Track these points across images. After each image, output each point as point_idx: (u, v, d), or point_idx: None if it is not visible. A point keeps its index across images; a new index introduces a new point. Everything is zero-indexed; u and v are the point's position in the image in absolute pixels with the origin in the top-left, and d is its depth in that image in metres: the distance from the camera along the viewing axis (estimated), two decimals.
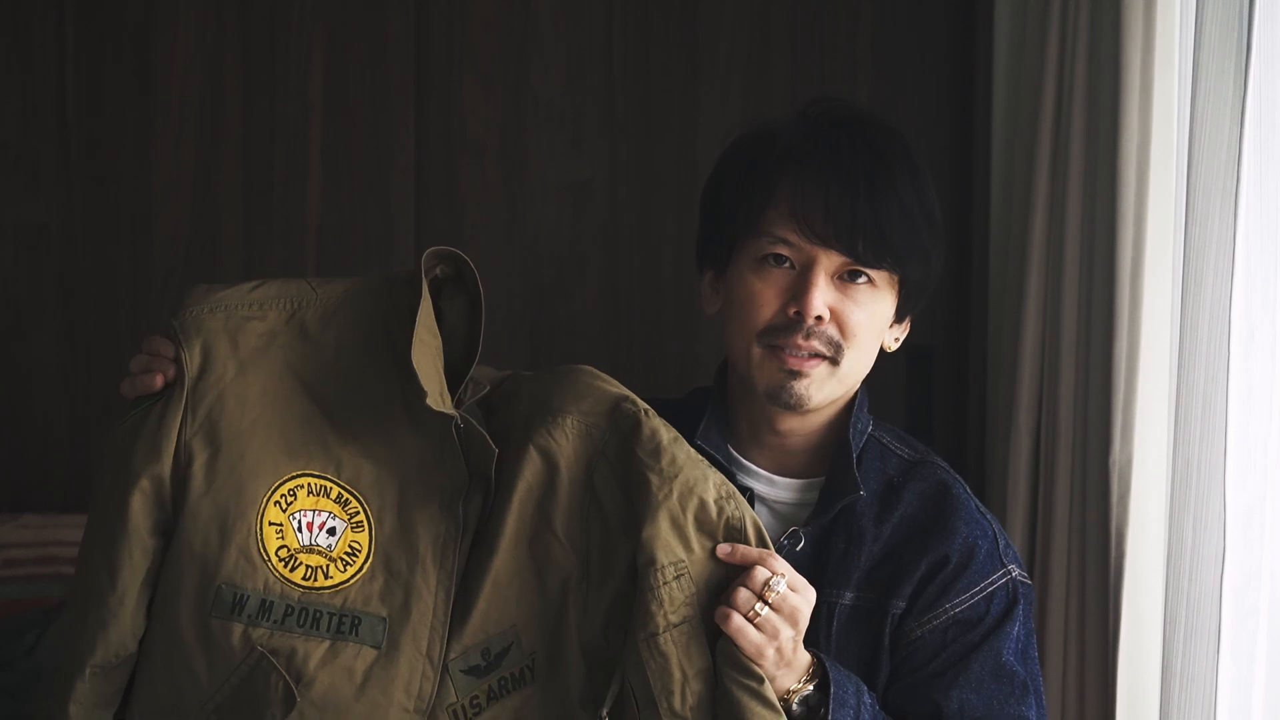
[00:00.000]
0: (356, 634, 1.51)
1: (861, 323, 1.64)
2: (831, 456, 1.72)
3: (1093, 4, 2.13)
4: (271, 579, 1.51)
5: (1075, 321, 2.18)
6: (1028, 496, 2.29)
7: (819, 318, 1.63)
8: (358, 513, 1.54)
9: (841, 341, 1.64)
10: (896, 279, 1.67)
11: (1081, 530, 2.14)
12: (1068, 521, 2.18)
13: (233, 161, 2.68)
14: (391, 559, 1.53)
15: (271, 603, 1.51)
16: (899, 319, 1.73)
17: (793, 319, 1.63)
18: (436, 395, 1.51)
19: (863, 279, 1.64)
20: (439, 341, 1.57)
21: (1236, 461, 1.81)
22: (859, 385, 1.74)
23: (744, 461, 1.75)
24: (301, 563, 1.52)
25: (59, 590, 2.43)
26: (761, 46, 2.68)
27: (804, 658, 1.58)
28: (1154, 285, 2.01)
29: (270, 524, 1.53)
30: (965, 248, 2.63)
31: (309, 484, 1.54)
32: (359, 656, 1.51)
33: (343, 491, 1.54)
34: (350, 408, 1.56)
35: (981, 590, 1.68)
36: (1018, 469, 2.29)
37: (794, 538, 1.69)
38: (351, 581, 1.52)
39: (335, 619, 1.51)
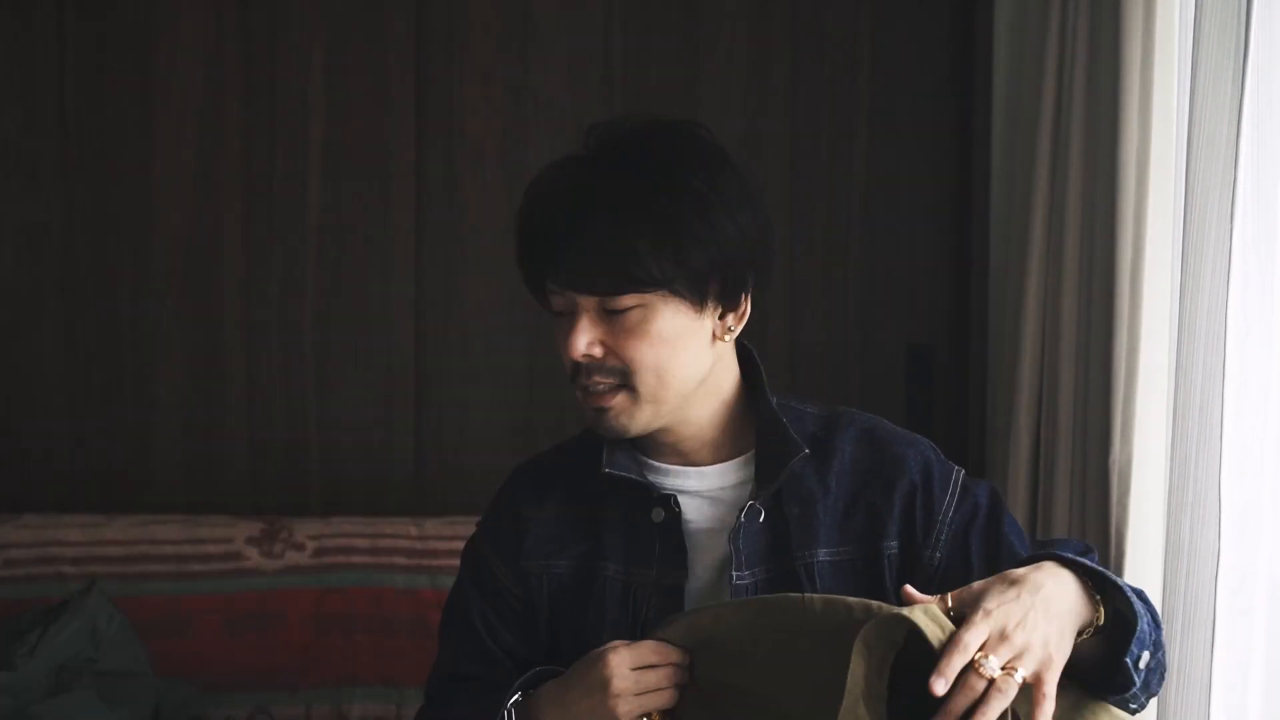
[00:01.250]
0: None
1: (638, 348, 1.66)
2: (757, 429, 1.74)
3: (1093, 4, 2.13)
4: None
5: (1075, 321, 2.18)
6: (1028, 496, 2.29)
7: (589, 355, 1.66)
8: None
9: (625, 368, 1.66)
10: (666, 293, 1.67)
11: (1081, 530, 2.14)
12: (1068, 521, 2.18)
13: (233, 161, 2.68)
14: None
15: None
16: (726, 309, 1.71)
17: (576, 362, 1.68)
18: None
19: (626, 307, 1.66)
20: None
21: (1232, 461, 1.82)
22: (745, 361, 1.76)
23: (666, 466, 1.77)
24: None
25: (59, 590, 2.44)
26: (761, 46, 2.68)
27: (1054, 607, 1.50)
28: (1153, 285, 2.01)
29: None
30: (965, 248, 2.64)
31: None
32: None
33: None
34: None
35: (954, 488, 1.72)
36: (1018, 469, 2.29)
37: (752, 512, 1.71)
38: None
39: None
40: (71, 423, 2.69)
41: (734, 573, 1.69)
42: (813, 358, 2.69)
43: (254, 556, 2.51)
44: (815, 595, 1.56)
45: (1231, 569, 1.82)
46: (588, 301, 1.66)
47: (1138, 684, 1.53)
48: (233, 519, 2.55)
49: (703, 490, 1.75)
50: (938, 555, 1.69)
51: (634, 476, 1.73)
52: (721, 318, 1.70)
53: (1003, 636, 1.44)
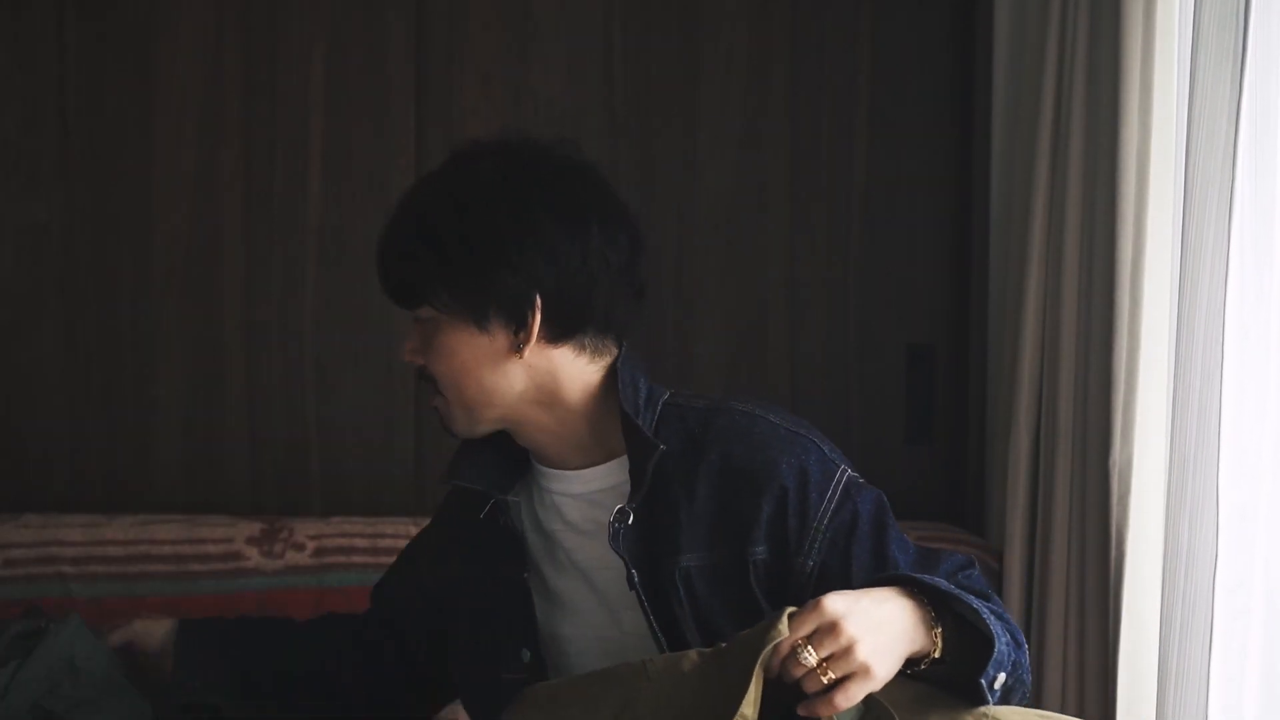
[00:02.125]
0: None
1: (432, 358, 1.73)
2: (626, 434, 1.74)
3: (1092, 4, 2.13)
4: None
5: (1075, 321, 2.18)
6: (1028, 496, 2.29)
7: (411, 359, 1.75)
8: None
9: (433, 375, 1.74)
10: (438, 308, 1.72)
11: (1081, 530, 2.14)
12: (1067, 521, 2.18)
13: (233, 161, 2.68)
14: None
15: None
16: (515, 327, 1.71)
17: None
18: None
19: (420, 319, 1.74)
20: None
21: (1230, 463, 1.82)
22: (612, 368, 1.76)
23: (545, 470, 1.79)
24: None
25: (59, 590, 2.44)
26: (761, 47, 2.68)
27: (893, 626, 1.54)
28: (1153, 285, 2.01)
29: None
30: (965, 248, 2.64)
31: None
32: None
33: None
34: None
35: (833, 493, 1.69)
36: (1018, 469, 2.29)
37: (621, 515, 1.71)
38: None
39: None
40: (71, 423, 2.69)
41: (633, 571, 1.68)
42: (813, 358, 2.69)
43: (254, 556, 2.50)
44: (658, 656, 1.57)
45: (1229, 569, 1.82)
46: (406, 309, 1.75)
47: (992, 702, 1.55)
48: (233, 519, 2.55)
49: (581, 493, 1.77)
50: (810, 562, 1.67)
51: (480, 487, 1.78)
52: (515, 334, 1.71)
53: (832, 630, 1.48)
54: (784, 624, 1.49)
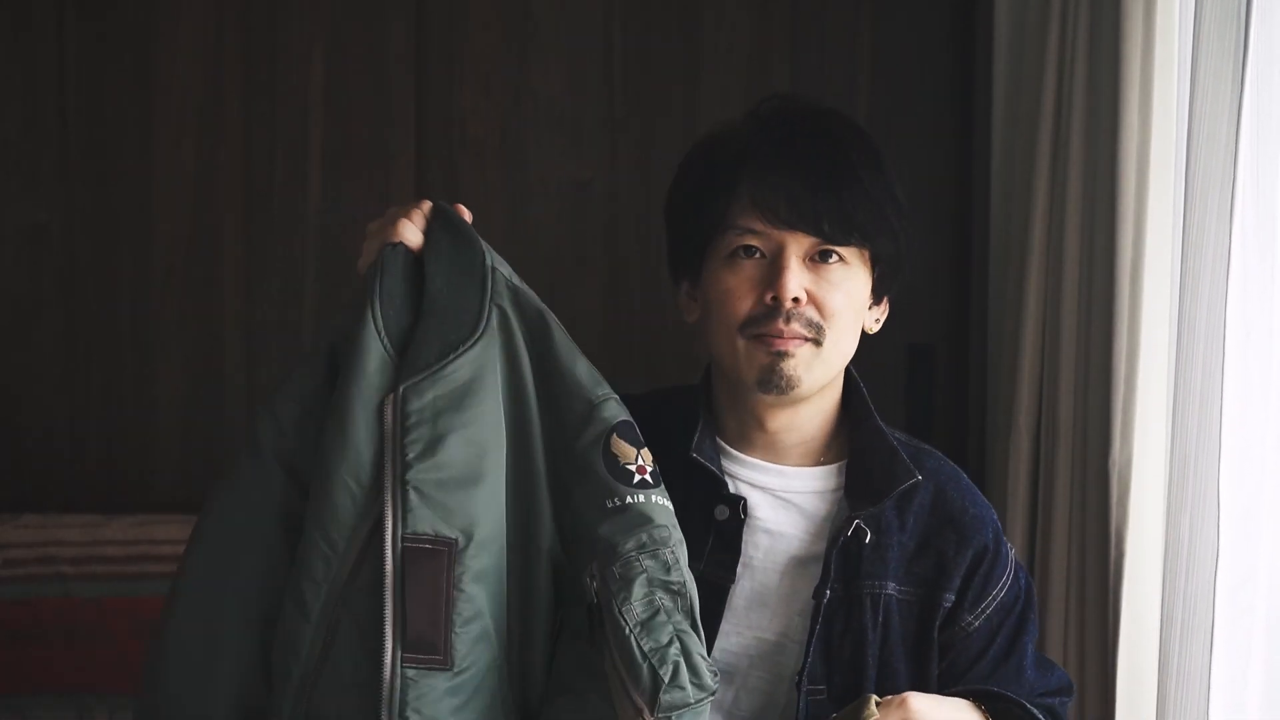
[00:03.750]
0: None
1: (839, 301, 1.67)
2: (853, 443, 1.74)
3: (1093, 4, 2.13)
4: None
5: (1075, 321, 2.18)
6: (1028, 496, 2.29)
7: (795, 299, 1.66)
8: None
9: (821, 322, 1.67)
10: (868, 255, 1.70)
11: (1081, 530, 2.14)
12: (1067, 521, 2.18)
13: (233, 161, 2.68)
14: None
15: None
16: (876, 299, 1.76)
17: (771, 305, 1.66)
18: None
19: (834, 258, 1.67)
20: None
21: (1232, 461, 1.82)
22: (846, 375, 1.77)
23: (748, 459, 1.75)
24: None
25: (59, 590, 2.44)
26: (761, 46, 2.68)
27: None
28: (1154, 285, 2.01)
29: None
30: (965, 248, 2.63)
31: None
32: None
33: None
34: None
35: (1012, 566, 1.74)
36: (1018, 469, 2.29)
37: (860, 532, 1.69)
38: None
39: None
40: (71, 423, 2.69)
41: (826, 590, 1.68)
42: None
43: None
44: None
45: (1231, 569, 1.81)
46: (800, 245, 1.66)
47: None
48: None
49: (779, 490, 1.74)
50: (975, 625, 1.71)
51: (714, 468, 1.72)
52: (878, 299, 1.74)
53: None
54: (873, 708, 1.55)
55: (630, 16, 2.67)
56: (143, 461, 2.69)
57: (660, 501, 1.52)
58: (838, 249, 1.67)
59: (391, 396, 1.51)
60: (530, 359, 1.56)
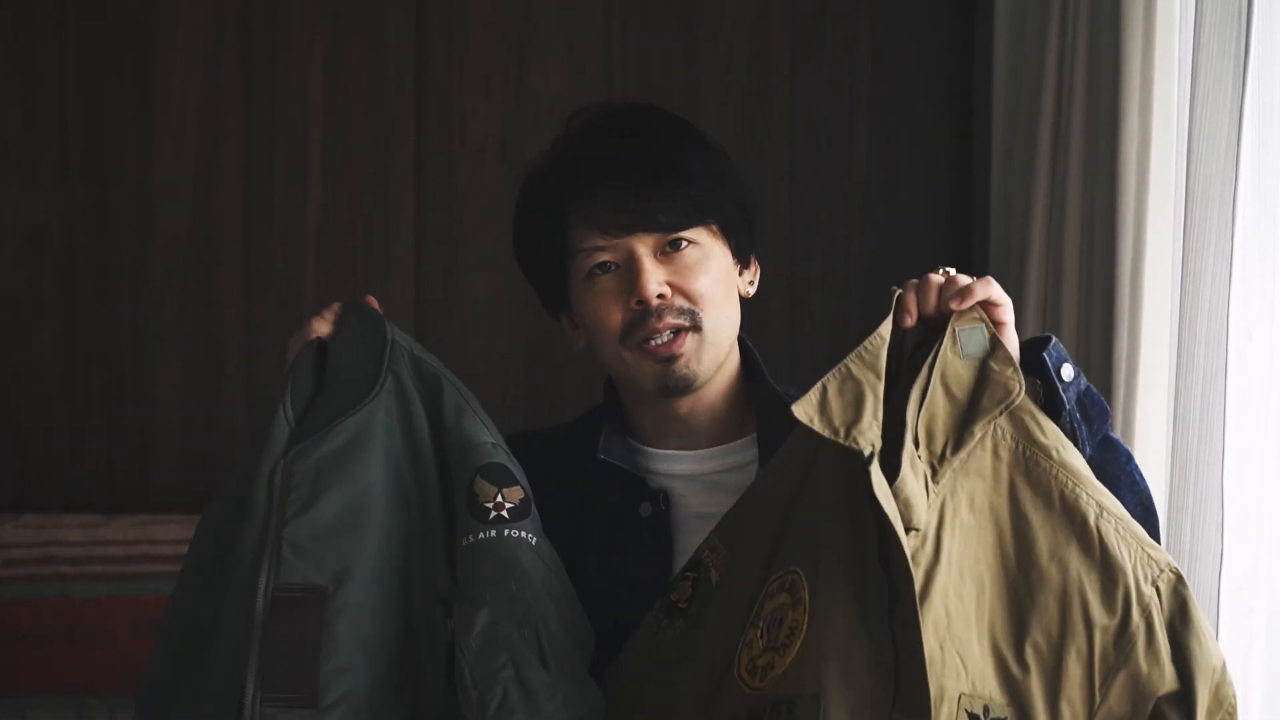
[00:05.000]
0: (792, 718, 1.42)
1: (703, 284, 1.69)
2: (760, 410, 1.76)
3: (1093, 4, 2.13)
4: (740, 696, 1.47)
5: (1075, 321, 2.18)
6: None
7: (661, 295, 1.67)
8: (799, 588, 1.46)
9: (693, 307, 1.68)
10: (716, 228, 1.71)
11: None
12: None
13: (233, 161, 2.68)
14: (826, 628, 1.42)
15: (739, 717, 1.47)
16: (744, 263, 1.77)
17: (639, 310, 1.68)
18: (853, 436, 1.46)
19: (684, 244, 1.69)
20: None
21: (1234, 462, 1.82)
22: (738, 345, 1.79)
23: (664, 452, 1.77)
24: (759, 667, 1.47)
25: (59, 590, 2.44)
26: (761, 47, 2.68)
27: None
28: (1154, 286, 2.01)
29: (744, 645, 1.49)
30: (965, 248, 2.64)
31: (773, 586, 1.49)
32: None
33: (792, 574, 1.48)
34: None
35: None
36: None
37: None
38: (789, 664, 1.43)
39: (775, 709, 1.43)
40: (72, 423, 2.69)
41: None
42: (813, 358, 2.69)
43: None
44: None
45: (1234, 569, 1.82)
46: (646, 244, 1.67)
47: (1063, 392, 1.55)
48: None
49: (702, 474, 1.76)
50: None
51: (627, 467, 1.73)
52: (744, 265, 1.75)
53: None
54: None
55: (630, 16, 2.67)
56: (143, 461, 2.69)
57: (514, 534, 1.56)
58: (683, 235, 1.68)
59: (282, 462, 1.60)
60: (428, 420, 1.64)
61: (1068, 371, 1.56)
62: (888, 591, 1.41)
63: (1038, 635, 1.45)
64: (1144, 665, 1.44)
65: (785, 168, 2.68)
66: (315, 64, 2.67)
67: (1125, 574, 1.46)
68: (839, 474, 1.48)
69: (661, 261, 1.68)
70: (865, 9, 2.67)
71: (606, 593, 1.71)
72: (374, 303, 1.73)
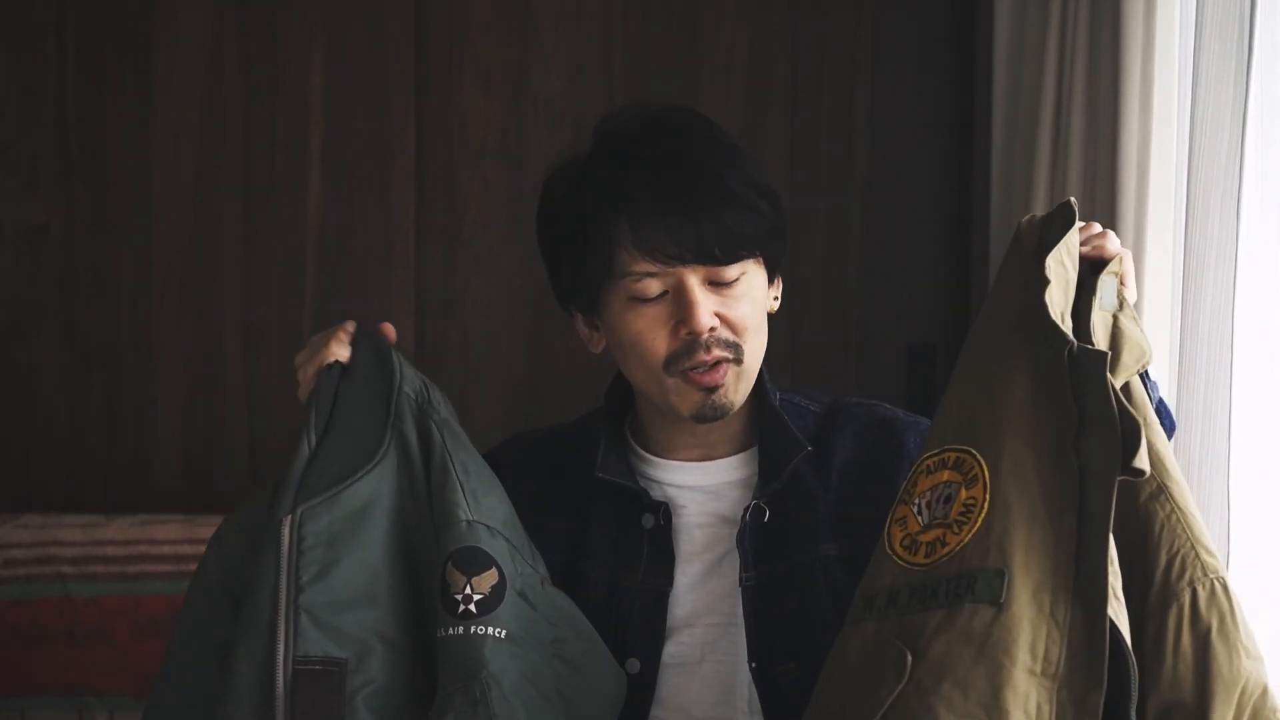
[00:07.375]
0: (973, 593, 1.40)
1: (748, 314, 1.68)
2: (760, 427, 1.75)
3: (1093, 4, 2.13)
4: (896, 571, 1.46)
5: None
6: None
7: (711, 329, 1.66)
8: (973, 468, 1.45)
9: (736, 340, 1.67)
10: (760, 258, 1.71)
11: None
12: None
13: (233, 161, 2.68)
14: (1009, 507, 1.42)
15: (898, 591, 1.46)
16: (770, 281, 1.76)
17: (687, 340, 1.66)
18: (1059, 315, 1.45)
19: (734, 277, 1.67)
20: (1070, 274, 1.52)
21: (1239, 464, 1.81)
22: None
23: (669, 462, 1.77)
24: (921, 543, 1.46)
25: (59, 590, 2.44)
26: (761, 46, 2.68)
27: None
28: (1154, 286, 2.01)
29: (895, 521, 1.50)
30: (965, 248, 2.64)
31: (929, 464, 1.49)
32: (975, 617, 1.39)
33: (959, 453, 1.47)
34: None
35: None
36: None
37: (757, 511, 1.71)
38: (968, 540, 1.42)
39: (952, 584, 1.41)
40: (71, 423, 2.69)
41: (743, 574, 1.68)
42: (813, 358, 2.69)
43: None
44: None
45: (1239, 572, 1.81)
46: (698, 274, 1.65)
47: (1149, 390, 1.55)
48: None
49: (705, 485, 1.75)
50: None
51: (627, 483, 1.73)
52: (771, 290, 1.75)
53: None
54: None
55: (630, 17, 2.68)
56: (143, 461, 2.69)
57: (480, 630, 1.55)
58: (733, 266, 1.67)
59: (290, 518, 1.59)
60: (427, 483, 1.64)
61: (1152, 373, 1.57)
62: (1078, 479, 1.41)
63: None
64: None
65: (785, 168, 2.68)
66: (315, 64, 2.67)
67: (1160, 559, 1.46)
68: (1029, 363, 1.46)
69: (710, 290, 1.67)
70: (865, 9, 2.67)
71: (606, 603, 1.72)
72: (390, 332, 1.71)
